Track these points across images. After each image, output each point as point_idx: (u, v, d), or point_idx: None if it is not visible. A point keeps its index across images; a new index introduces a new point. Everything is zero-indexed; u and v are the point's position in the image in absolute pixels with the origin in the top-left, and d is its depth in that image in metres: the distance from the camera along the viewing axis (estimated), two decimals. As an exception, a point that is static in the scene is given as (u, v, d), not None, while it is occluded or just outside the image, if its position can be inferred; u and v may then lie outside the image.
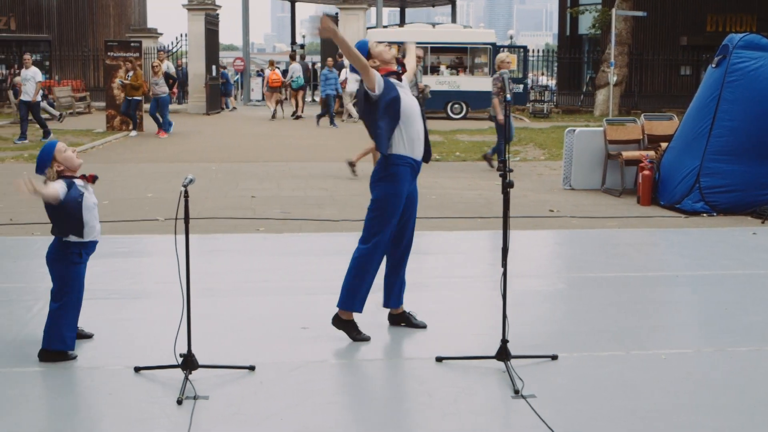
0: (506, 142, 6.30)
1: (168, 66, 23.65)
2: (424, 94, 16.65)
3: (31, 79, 21.37)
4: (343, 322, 6.23)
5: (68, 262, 5.71)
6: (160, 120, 23.12)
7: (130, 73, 23.35)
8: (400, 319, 6.48)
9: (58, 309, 5.68)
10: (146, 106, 24.10)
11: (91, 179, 5.87)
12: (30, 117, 21.71)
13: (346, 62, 30.83)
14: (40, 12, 40.70)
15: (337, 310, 6.24)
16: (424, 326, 6.44)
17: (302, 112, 30.71)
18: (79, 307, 5.79)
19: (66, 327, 5.69)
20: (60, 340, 5.68)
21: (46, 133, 21.35)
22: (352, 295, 6.16)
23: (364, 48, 6.07)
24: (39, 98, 21.83)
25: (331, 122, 26.21)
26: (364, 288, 6.16)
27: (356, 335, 6.20)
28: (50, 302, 5.74)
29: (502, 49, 32.43)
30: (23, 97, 21.49)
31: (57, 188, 5.58)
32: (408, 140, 6.04)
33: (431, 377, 5.47)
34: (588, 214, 11.50)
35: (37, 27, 40.62)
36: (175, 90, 24.02)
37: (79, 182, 5.73)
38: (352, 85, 28.83)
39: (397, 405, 5.09)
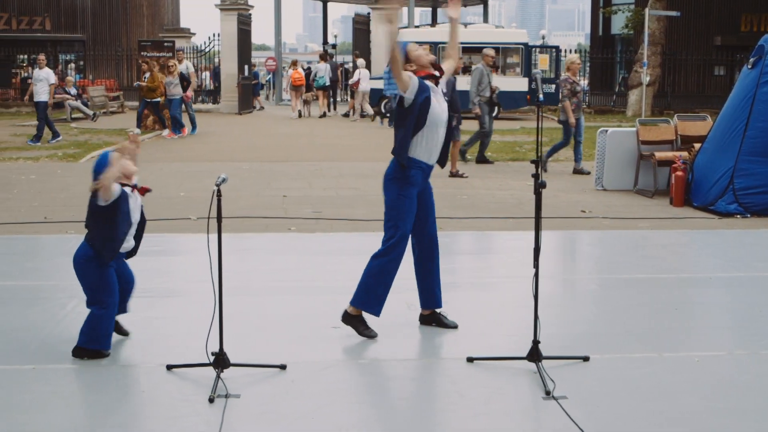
0: (567, 145, 6.24)
1: (187, 66, 23.28)
2: (496, 95, 16.93)
3: (44, 80, 20.91)
4: (351, 317, 6.28)
5: (97, 269, 5.73)
6: (180, 120, 22.98)
7: (147, 75, 23.18)
8: (432, 319, 6.48)
9: (97, 313, 5.72)
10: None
11: (143, 192, 5.92)
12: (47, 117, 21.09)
13: (360, 62, 31.05)
14: (75, 12, 41.04)
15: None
16: (455, 326, 6.44)
17: (329, 110, 30.89)
18: (115, 309, 5.83)
19: (103, 329, 5.73)
20: (97, 340, 5.72)
21: (55, 134, 20.97)
22: (366, 294, 6.19)
23: (402, 50, 6.07)
24: (50, 99, 21.19)
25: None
26: (380, 288, 6.17)
27: (363, 330, 6.24)
28: (87, 305, 5.78)
29: (533, 49, 32.37)
30: (36, 98, 20.96)
31: (115, 187, 5.63)
32: (427, 147, 6.09)
33: (462, 377, 5.47)
34: (620, 215, 11.44)
35: (72, 27, 40.96)
36: (189, 93, 23.62)
37: (127, 190, 5.77)
38: (365, 85, 29.20)
39: (428, 405, 5.09)
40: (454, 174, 14.85)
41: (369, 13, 34.13)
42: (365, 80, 29.23)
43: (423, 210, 6.24)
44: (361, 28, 33.71)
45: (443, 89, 6.25)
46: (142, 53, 24.99)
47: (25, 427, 4.69)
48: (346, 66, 41.13)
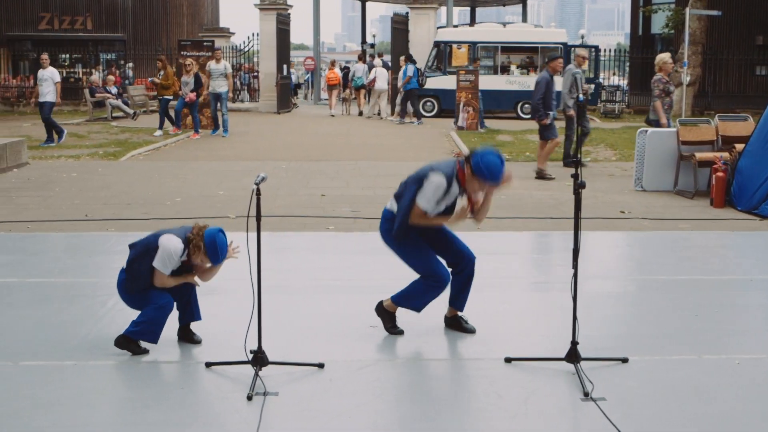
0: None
1: (225, 66, 22.95)
2: (587, 96, 16.85)
3: (48, 79, 20.29)
4: (385, 311, 6.37)
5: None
6: (199, 118, 22.76)
7: (161, 72, 23.04)
8: (453, 322, 6.43)
9: (150, 312, 5.85)
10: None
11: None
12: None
13: (377, 62, 31.16)
14: (116, 12, 41.36)
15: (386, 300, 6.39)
16: (473, 331, 6.38)
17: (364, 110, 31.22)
18: (169, 308, 5.93)
19: (154, 324, 5.83)
20: (144, 333, 5.83)
21: (60, 134, 20.56)
22: (407, 300, 6.28)
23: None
24: (54, 99, 20.46)
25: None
26: (421, 302, 6.29)
27: (390, 327, 6.33)
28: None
29: (572, 49, 32.20)
30: (41, 99, 20.26)
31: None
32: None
33: (500, 378, 5.46)
34: (660, 216, 11.36)
35: (113, 26, 41.28)
36: (191, 95, 22.59)
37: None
38: (381, 83, 29.68)
39: (466, 405, 5.08)
40: (540, 174, 14.83)
41: (407, 13, 34.10)
42: (381, 79, 29.64)
43: (437, 235, 6.31)
44: (400, 27, 33.62)
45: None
46: (182, 53, 25.09)
47: (66, 423, 4.75)
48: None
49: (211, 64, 22.91)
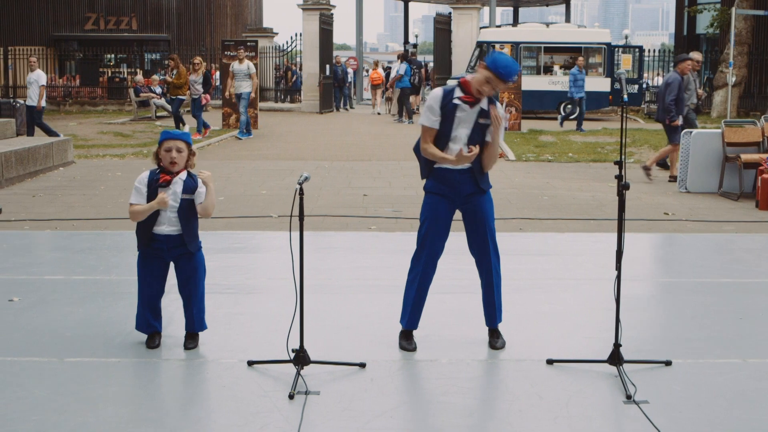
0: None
1: (249, 66, 22.65)
2: (701, 101, 16.64)
3: (34, 82, 19.71)
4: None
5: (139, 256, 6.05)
6: (201, 119, 22.37)
7: (174, 72, 22.67)
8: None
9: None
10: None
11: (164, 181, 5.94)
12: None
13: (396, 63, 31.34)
14: (160, 12, 41.73)
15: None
16: (500, 347, 6.08)
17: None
18: (146, 299, 6.04)
19: (139, 312, 6.02)
20: (138, 321, 6.01)
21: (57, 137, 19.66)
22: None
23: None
24: (44, 104, 19.89)
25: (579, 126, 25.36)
26: (404, 308, 6.09)
27: (406, 344, 6.02)
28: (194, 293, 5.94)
29: (616, 49, 32.00)
30: (27, 102, 19.84)
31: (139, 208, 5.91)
32: None
33: (542, 379, 5.44)
34: (704, 218, 11.26)
35: (157, 27, 41.66)
36: (206, 96, 22.79)
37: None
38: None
39: (507, 406, 5.07)
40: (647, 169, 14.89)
41: (450, 13, 34.09)
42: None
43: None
44: (442, 27, 33.65)
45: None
46: (226, 53, 25.25)
47: (110, 419, 4.79)
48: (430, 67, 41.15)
49: (234, 65, 22.80)
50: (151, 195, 5.79)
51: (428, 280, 6.01)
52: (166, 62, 23.23)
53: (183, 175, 5.85)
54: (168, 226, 5.83)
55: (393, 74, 30.81)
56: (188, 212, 5.84)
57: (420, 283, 5.97)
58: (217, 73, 37.30)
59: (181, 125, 22.15)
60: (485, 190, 5.89)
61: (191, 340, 6.01)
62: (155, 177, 5.84)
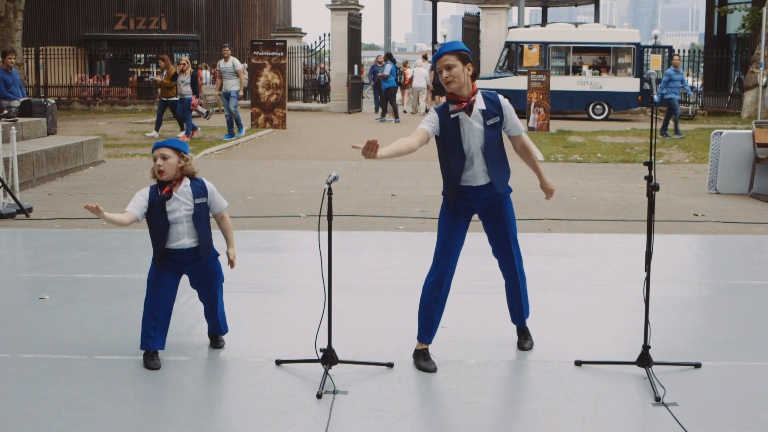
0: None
1: (234, 64, 21.82)
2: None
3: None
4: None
5: (152, 269, 5.80)
6: (190, 121, 21.67)
7: (164, 72, 21.89)
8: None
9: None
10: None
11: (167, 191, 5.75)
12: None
13: (418, 62, 31.42)
14: (190, 12, 41.93)
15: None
16: (528, 348, 6.08)
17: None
18: (152, 311, 5.71)
19: (142, 328, 5.67)
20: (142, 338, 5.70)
21: None
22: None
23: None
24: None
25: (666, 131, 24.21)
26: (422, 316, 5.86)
27: (422, 362, 5.73)
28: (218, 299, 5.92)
29: (646, 49, 31.83)
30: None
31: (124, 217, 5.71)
32: None
33: (570, 381, 5.42)
34: (734, 219, 11.18)
35: (187, 27, 41.87)
36: (197, 100, 21.84)
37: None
38: (418, 82, 31.37)
39: (535, 407, 5.06)
40: None
41: (478, 13, 34.04)
42: (418, 78, 31.51)
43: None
44: (471, 27, 33.62)
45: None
46: (254, 53, 25.34)
47: (139, 417, 4.82)
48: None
49: (221, 63, 22.25)
50: (154, 210, 5.62)
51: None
52: (158, 63, 22.50)
53: (185, 181, 5.64)
54: (188, 238, 5.65)
55: (411, 74, 31.46)
56: (205, 217, 5.69)
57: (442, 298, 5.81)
58: (204, 72, 37.40)
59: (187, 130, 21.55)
60: (504, 193, 5.74)
61: (217, 341, 6.03)
62: (157, 193, 5.64)
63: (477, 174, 5.61)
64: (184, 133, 21.48)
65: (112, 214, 5.52)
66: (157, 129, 21.99)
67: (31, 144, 14.77)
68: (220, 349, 5.93)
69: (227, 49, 22.38)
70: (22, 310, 6.88)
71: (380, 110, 29.16)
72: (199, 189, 5.68)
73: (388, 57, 29.73)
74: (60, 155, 14.71)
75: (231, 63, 21.99)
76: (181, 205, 5.62)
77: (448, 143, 5.62)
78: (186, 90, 21.37)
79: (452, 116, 5.56)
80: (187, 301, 6.88)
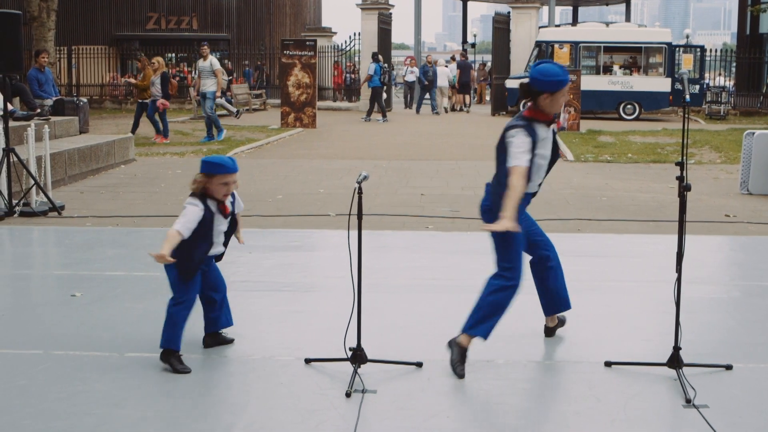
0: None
1: (212, 63, 20.82)
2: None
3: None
4: (457, 345, 5.79)
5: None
6: (158, 123, 20.74)
7: (141, 74, 21.25)
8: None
9: (171, 310, 5.73)
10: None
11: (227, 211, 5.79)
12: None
13: (440, 61, 31.63)
14: (221, 12, 42.10)
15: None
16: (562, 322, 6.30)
17: (463, 107, 33.89)
18: (190, 307, 5.77)
19: (177, 327, 5.68)
20: (169, 340, 5.68)
21: None
22: (481, 325, 5.78)
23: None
24: None
25: None
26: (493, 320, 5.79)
27: (457, 363, 5.68)
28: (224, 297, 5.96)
29: (677, 49, 31.62)
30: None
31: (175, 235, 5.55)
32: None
33: (600, 382, 5.40)
34: (766, 220, 11.09)
35: (217, 26, 42.04)
36: (164, 102, 20.30)
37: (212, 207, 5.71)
38: (440, 81, 32.70)
39: (565, 408, 5.04)
40: None
41: (509, 12, 33.96)
42: (441, 77, 32.77)
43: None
44: (501, 27, 33.52)
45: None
46: (285, 52, 25.42)
47: (168, 414, 4.85)
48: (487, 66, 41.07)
49: (199, 62, 21.30)
50: (205, 225, 5.55)
51: None
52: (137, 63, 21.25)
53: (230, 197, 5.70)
54: (222, 245, 5.77)
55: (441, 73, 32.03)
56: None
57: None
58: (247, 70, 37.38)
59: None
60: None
61: (224, 339, 6.07)
62: (211, 211, 5.56)
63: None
64: (161, 135, 20.68)
65: (167, 246, 5.46)
66: (133, 131, 20.44)
67: (64, 142, 14.88)
68: (250, 348, 5.94)
69: (206, 47, 21.33)
70: (54, 307, 6.94)
71: (368, 110, 28.92)
72: (234, 199, 5.76)
73: (374, 57, 29.74)
74: (92, 154, 14.82)
75: (209, 62, 20.97)
76: (225, 218, 5.70)
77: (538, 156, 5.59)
78: (155, 91, 20.20)
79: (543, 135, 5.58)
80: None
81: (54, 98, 17.87)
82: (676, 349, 5.39)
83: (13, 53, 11.00)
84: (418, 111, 32.44)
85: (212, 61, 21.03)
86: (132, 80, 21.72)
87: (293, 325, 6.50)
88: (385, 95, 29.80)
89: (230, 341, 6.06)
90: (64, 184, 13.54)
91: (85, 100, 19.03)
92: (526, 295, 6.89)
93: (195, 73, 20.84)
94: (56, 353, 5.84)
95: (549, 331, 6.29)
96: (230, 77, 35.63)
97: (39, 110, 16.09)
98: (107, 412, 4.86)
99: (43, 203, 11.23)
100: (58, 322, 6.54)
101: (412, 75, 35.82)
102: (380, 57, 29.77)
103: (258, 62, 39.27)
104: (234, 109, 28.46)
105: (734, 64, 38.17)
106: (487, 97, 40.64)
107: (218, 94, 21.14)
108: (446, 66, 34.92)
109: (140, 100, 20.97)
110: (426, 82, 32.50)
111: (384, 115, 28.35)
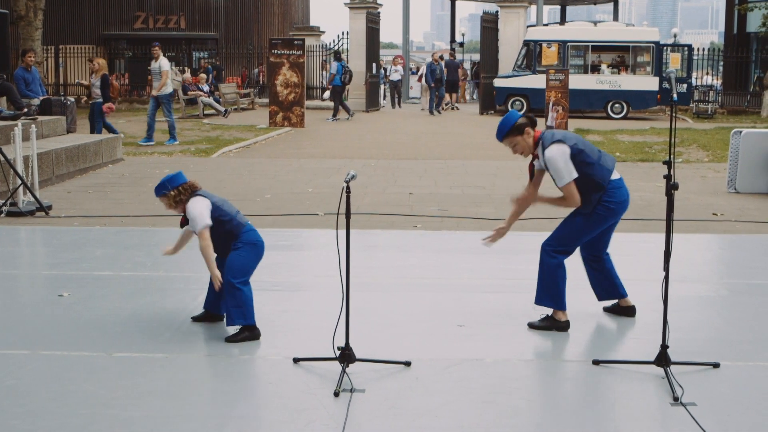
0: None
1: (161, 66, 20.02)
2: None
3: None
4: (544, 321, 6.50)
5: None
6: (101, 126, 19.09)
7: (93, 77, 19.48)
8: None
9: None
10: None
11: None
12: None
13: (428, 60, 31.73)
14: (209, 11, 42.02)
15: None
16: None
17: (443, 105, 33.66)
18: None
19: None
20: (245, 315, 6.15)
21: None
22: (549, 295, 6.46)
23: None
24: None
25: None
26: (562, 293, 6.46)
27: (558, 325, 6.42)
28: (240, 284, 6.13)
29: (665, 48, 31.68)
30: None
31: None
32: None
33: (588, 380, 5.41)
34: (754, 219, 11.12)
35: (205, 25, 41.95)
36: (110, 105, 19.08)
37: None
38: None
39: (552, 406, 5.05)
40: None
41: (497, 12, 33.98)
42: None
43: None
44: (489, 26, 33.52)
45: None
46: (273, 51, 25.37)
47: (156, 414, 4.84)
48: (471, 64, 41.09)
49: (152, 63, 20.59)
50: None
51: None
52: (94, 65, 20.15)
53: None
54: None
55: (420, 72, 32.46)
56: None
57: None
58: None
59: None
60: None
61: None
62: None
63: None
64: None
65: (211, 261, 6.09)
66: (92, 131, 19.10)
67: (51, 142, 14.83)
68: (237, 347, 5.93)
69: (157, 48, 20.66)
70: (42, 307, 6.92)
71: (333, 110, 28.61)
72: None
73: (337, 56, 29.68)
74: (79, 153, 14.77)
75: (158, 63, 20.24)
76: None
77: None
78: (96, 93, 18.94)
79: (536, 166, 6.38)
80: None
81: (41, 98, 17.79)
82: (664, 347, 5.40)
83: (0, 52, 10.96)
84: (432, 112, 31.58)
85: (161, 62, 20.30)
86: (83, 82, 20.69)
87: (282, 324, 6.50)
88: (384, 92, 29.82)
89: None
90: (52, 183, 13.50)
91: (72, 99, 18.93)
92: (513, 294, 6.92)
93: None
94: (44, 353, 5.82)
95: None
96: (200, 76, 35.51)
97: (26, 110, 16.02)
98: (95, 412, 4.85)
99: (30, 203, 11.19)
100: (46, 322, 6.52)
101: (397, 74, 35.84)
102: (343, 56, 29.76)
103: (215, 61, 39.08)
104: (222, 109, 28.42)
105: (721, 63, 38.28)
106: (467, 96, 40.87)
107: (155, 93, 20.18)
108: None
109: (91, 102, 19.83)
110: (433, 83, 31.85)
111: (348, 112, 28.18)
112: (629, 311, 6.74)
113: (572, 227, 6.35)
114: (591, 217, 6.26)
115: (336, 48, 35.99)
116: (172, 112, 20.65)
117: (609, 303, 6.88)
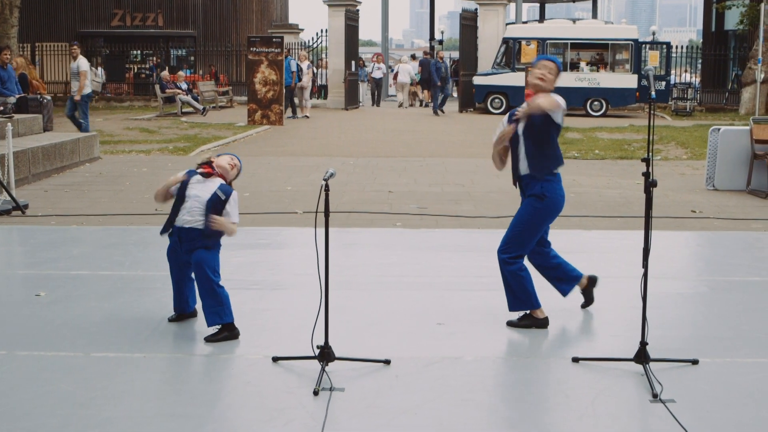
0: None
1: (78, 66, 19.58)
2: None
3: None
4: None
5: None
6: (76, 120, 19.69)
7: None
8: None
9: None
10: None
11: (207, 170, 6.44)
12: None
13: (404, 59, 31.87)
14: (186, 8, 41.81)
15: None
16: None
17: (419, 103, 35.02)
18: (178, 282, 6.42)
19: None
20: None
21: None
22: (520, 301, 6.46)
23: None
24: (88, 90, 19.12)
25: None
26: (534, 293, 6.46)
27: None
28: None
29: (644, 45, 31.80)
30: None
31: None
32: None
33: (567, 377, 5.41)
34: (732, 216, 11.17)
35: (183, 23, 41.75)
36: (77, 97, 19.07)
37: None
38: (402, 77, 34.51)
39: (533, 404, 5.04)
40: None
41: (476, 9, 34.01)
42: (403, 74, 34.55)
43: None
44: (469, 24, 33.54)
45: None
46: (251, 49, 25.27)
47: (136, 414, 4.80)
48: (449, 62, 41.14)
49: (72, 63, 20.10)
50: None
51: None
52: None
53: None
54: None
55: (397, 70, 33.66)
56: None
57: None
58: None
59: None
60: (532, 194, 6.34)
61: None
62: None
63: None
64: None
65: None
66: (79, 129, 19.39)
67: (27, 140, 14.73)
68: (216, 346, 5.91)
69: (76, 47, 20.25)
70: (18, 307, 6.86)
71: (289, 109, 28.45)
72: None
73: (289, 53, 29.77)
74: (56, 152, 14.68)
75: (77, 63, 19.77)
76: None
77: None
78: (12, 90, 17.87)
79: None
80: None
81: (17, 96, 17.66)
82: (643, 344, 5.41)
83: (-24, 50, 10.87)
84: (435, 112, 30.90)
85: (80, 62, 19.80)
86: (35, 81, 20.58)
87: (261, 323, 6.47)
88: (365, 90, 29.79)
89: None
90: (28, 182, 13.40)
91: (49, 97, 18.81)
92: (494, 292, 6.91)
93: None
94: (20, 354, 5.77)
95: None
96: (194, 73, 35.40)
97: (2, 108, 15.91)
98: (73, 412, 4.81)
99: (6, 202, 11.10)
100: (23, 322, 6.46)
101: (379, 71, 35.84)
102: (302, 54, 29.91)
103: (158, 59, 38.86)
104: (200, 107, 28.33)
105: (700, 61, 38.45)
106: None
107: (77, 97, 19.65)
108: (408, 63, 35.68)
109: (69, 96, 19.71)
110: (439, 81, 30.78)
111: (298, 110, 28.09)
112: (591, 286, 6.84)
113: (522, 227, 6.29)
114: (538, 213, 6.23)
115: (314, 44, 35.96)
116: (88, 116, 19.97)
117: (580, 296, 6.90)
